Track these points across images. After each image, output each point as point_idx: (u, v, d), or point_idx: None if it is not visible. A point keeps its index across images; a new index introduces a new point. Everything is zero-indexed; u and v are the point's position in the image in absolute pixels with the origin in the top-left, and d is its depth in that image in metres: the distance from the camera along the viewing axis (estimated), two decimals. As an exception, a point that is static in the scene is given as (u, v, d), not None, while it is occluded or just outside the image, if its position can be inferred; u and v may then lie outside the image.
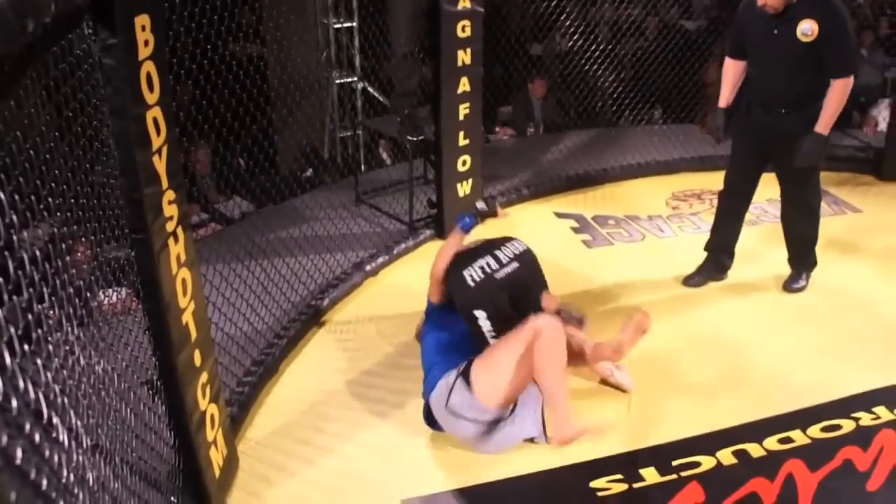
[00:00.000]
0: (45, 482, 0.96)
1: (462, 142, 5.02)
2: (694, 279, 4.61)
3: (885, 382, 3.62)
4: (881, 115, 7.01)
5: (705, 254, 4.65)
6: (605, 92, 6.92)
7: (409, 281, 4.60)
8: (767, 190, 4.62)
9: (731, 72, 4.32)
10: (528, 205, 5.74)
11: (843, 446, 3.20)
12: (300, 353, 3.97)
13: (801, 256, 4.53)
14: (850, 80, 3.88)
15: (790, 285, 4.51)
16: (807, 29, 3.80)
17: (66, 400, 1.37)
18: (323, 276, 4.45)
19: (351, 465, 3.18)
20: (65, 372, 1.48)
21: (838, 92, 3.88)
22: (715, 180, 5.36)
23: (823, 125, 3.94)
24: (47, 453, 1.05)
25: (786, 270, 4.56)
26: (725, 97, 4.37)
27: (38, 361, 1.21)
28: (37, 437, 0.97)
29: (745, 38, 4.14)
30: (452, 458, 3.20)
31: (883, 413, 3.41)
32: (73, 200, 1.88)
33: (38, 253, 1.41)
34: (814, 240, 4.48)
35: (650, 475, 3.08)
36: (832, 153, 6.32)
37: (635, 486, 3.03)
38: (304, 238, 4.62)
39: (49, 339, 1.40)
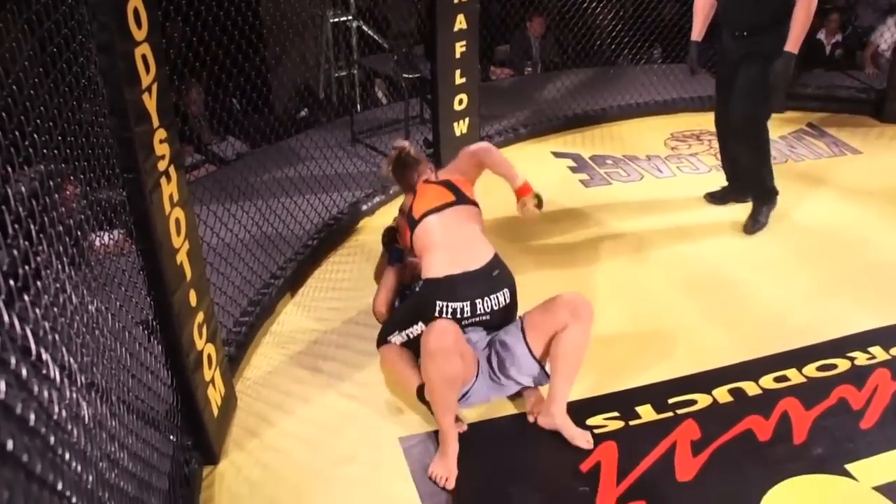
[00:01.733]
0: (32, 417, 0.95)
1: (458, 80, 4.96)
2: (715, 196, 4.79)
3: (882, 323, 3.62)
4: (882, 37, 6.91)
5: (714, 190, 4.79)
6: (604, 30, 6.81)
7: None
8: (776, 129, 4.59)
9: (701, 4, 4.43)
10: (526, 144, 5.70)
11: (838, 385, 3.22)
12: (297, 293, 3.97)
13: (755, 192, 4.54)
14: None
15: (749, 226, 4.50)
16: None
17: (56, 337, 1.35)
18: (319, 215, 4.42)
19: (348, 403, 3.20)
20: (55, 309, 1.46)
21: (802, 9, 3.94)
22: (711, 121, 5.33)
23: (793, 43, 4.00)
24: (36, 389, 1.04)
25: (784, 209, 4.53)
26: (697, 30, 4.49)
27: (26, 297, 1.19)
28: (24, 373, 0.96)
29: None
30: (449, 397, 3.20)
31: (878, 353, 3.42)
32: (60, 138, 1.84)
33: (24, 190, 1.38)
34: (761, 170, 4.47)
35: (646, 413, 3.10)
36: (833, 94, 6.31)
37: (631, 423, 3.05)
38: (299, 178, 4.58)
39: (39, 277, 1.38)
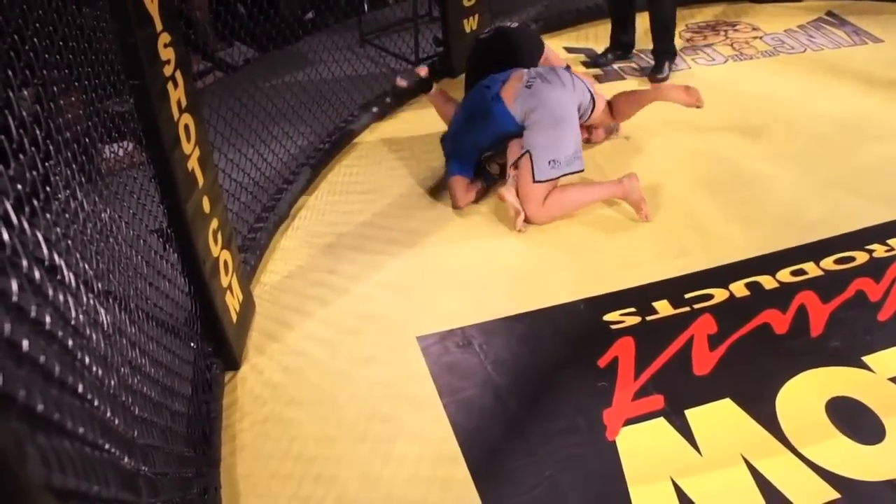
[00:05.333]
0: (48, 320, 0.95)
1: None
2: (599, 59, 5.20)
3: (901, 214, 3.58)
4: None
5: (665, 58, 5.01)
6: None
7: (416, 121, 4.53)
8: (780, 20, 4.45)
9: None
10: (538, 41, 5.56)
11: (856, 278, 3.20)
12: (311, 197, 3.95)
13: (662, 45, 4.91)
14: None
15: (654, 75, 4.87)
16: None
17: (69, 243, 1.35)
18: (330, 119, 4.37)
19: (366, 304, 3.22)
20: (67, 216, 1.45)
21: None
22: (729, 12, 5.18)
23: None
24: (51, 294, 1.04)
25: (801, 100, 4.44)
26: None
27: (35, 202, 1.18)
28: (37, 276, 0.96)
29: None
30: (466, 296, 3.22)
31: (897, 244, 3.39)
32: (61, 43, 1.80)
33: (26, 95, 1.35)
34: (670, 25, 4.80)
35: (663, 308, 3.10)
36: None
37: (648, 318, 3.06)
38: (309, 82, 4.52)
39: (48, 184, 1.36)
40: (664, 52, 4.96)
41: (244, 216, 3.50)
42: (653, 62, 5.03)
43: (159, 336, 2.30)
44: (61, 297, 1.10)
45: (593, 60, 5.22)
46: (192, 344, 2.69)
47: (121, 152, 2.48)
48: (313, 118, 4.26)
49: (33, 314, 0.89)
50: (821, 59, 5.16)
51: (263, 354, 2.99)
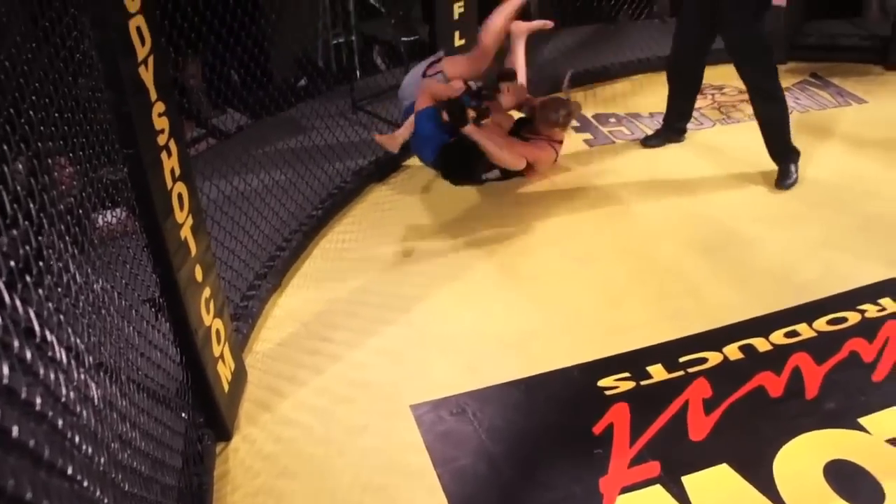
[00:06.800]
0: (38, 401, 0.93)
1: (458, 42, 4.90)
2: (651, 141, 4.86)
3: (891, 274, 3.59)
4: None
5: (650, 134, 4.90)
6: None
7: (408, 186, 4.56)
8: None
9: None
10: (528, 106, 5.63)
11: (849, 338, 3.19)
12: (303, 264, 3.95)
13: (778, 148, 4.41)
14: None
15: (781, 182, 4.39)
16: None
17: (62, 318, 1.34)
18: (322, 185, 4.39)
19: (359, 372, 3.19)
20: (59, 290, 1.44)
21: None
22: (716, 75, 5.28)
23: None
24: (42, 372, 1.02)
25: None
26: None
27: (28, 278, 1.17)
28: (28, 356, 0.94)
29: None
30: (459, 362, 3.21)
31: (888, 304, 3.40)
32: (57, 115, 1.81)
33: (20, 168, 1.36)
34: (782, 123, 4.37)
35: (657, 372, 3.09)
36: (836, 43, 6.22)
37: (643, 383, 3.04)
38: (301, 148, 4.55)
39: (41, 258, 1.36)
40: (782, 154, 4.44)
41: (236, 283, 3.49)
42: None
43: (150, 408, 2.27)
44: (52, 375, 1.09)
45: (644, 142, 4.98)
46: (183, 415, 2.66)
47: (113, 220, 2.48)
48: (306, 184, 4.28)
49: (24, 395, 0.88)
50: (807, 120, 5.23)
51: (256, 424, 2.95)
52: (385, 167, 4.73)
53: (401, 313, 3.51)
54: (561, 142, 4.49)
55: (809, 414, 2.84)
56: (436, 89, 4.11)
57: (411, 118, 4.24)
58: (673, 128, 4.89)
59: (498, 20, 4.34)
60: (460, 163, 4.08)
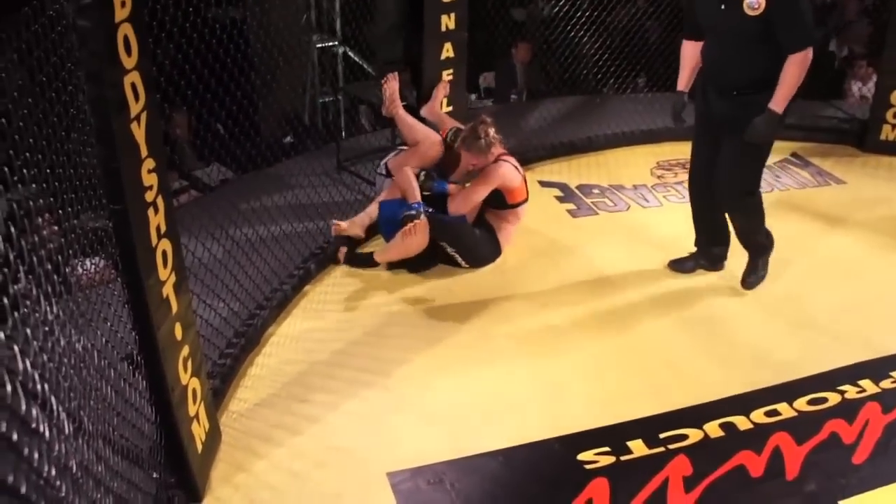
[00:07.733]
0: (24, 486, 0.89)
1: (445, 108, 4.95)
2: (684, 265, 4.38)
3: (870, 355, 3.62)
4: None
5: (693, 234, 4.39)
6: (590, 59, 6.82)
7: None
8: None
9: (689, 53, 3.99)
10: (512, 173, 5.67)
11: (829, 419, 3.20)
12: (283, 322, 3.90)
13: (751, 250, 4.23)
14: (808, 54, 3.57)
15: (747, 277, 4.21)
16: (753, 2, 3.50)
17: (46, 386, 1.30)
18: (305, 244, 4.37)
19: (336, 436, 3.14)
20: (45, 356, 1.40)
21: (794, 66, 3.56)
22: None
23: (778, 102, 3.62)
24: (26, 451, 0.98)
25: (776, 237, 4.41)
26: (683, 80, 4.05)
27: (15, 347, 1.14)
28: (14, 436, 0.91)
29: (698, 16, 3.83)
30: (438, 431, 3.16)
31: (868, 386, 3.41)
32: (48, 170, 1.79)
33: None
34: (758, 233, 4.18)
35: (637, 447, 3.06)
36: (816, 124, 6.34)
37: (623, 458, 3.01)
38: (285, 205, 4.54)
39: (25, 321, 1.32)
40: (755, 251, 4.24)
41: (215, 341, 3.44)
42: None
43: (123, 469, 2.20)
44: (35, 454, 1.05)
45: (677, 266, 4.40)
46: (154, 474, 2.59)
47: (92, 269, 2.44)
48: (289, 242, 4.26)
49: (10, 480, 0.84)
50: (787, 198, 5.30)
51: (228, 485, 2.88)
52: (368, 229, 4.71)
53: (380, 377, 3.47)
54: (506, 153, 4.60)
55: (790, 495, 2.84)
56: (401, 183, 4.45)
57: (374, 205, 4.53)
58: (704, 251, 4.39)
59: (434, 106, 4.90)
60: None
